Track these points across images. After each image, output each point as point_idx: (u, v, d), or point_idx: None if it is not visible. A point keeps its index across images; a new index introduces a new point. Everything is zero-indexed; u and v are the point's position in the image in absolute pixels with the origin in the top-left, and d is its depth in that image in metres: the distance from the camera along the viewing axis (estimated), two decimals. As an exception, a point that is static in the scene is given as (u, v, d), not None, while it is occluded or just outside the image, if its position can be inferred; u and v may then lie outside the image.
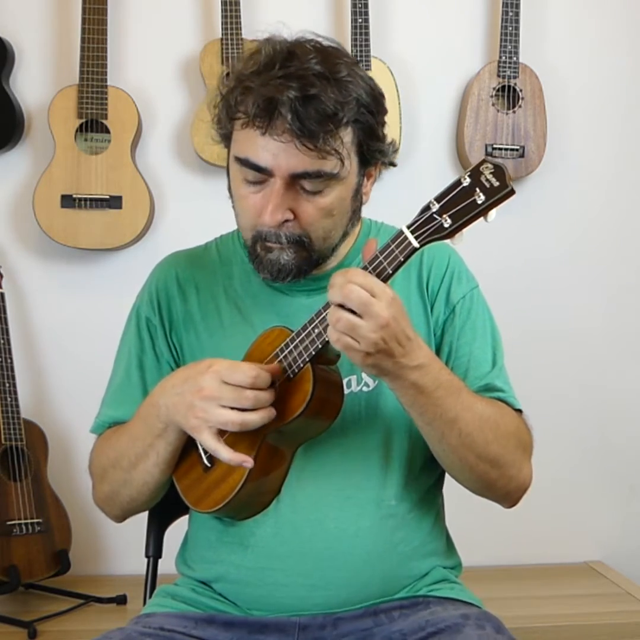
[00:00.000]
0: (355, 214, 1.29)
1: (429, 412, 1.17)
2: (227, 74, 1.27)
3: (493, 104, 2.52)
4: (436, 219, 1.05)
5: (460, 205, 1.04)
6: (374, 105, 1.22)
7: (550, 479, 2.51)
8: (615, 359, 2.68)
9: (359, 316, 1.06)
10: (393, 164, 1.30)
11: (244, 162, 1.21)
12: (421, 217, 1.06)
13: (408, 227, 1.07)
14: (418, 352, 1.13)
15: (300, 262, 1.25)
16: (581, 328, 2.66)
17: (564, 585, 2.45)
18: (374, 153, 1.25)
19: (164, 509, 1.43)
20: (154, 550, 1.53)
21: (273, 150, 1.17)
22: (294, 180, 1.19)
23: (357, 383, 1.29)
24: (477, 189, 1.03)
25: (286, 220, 1.21)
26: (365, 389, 1.29)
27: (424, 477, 1.33)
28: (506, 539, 2.59)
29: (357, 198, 1.28)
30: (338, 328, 1.07)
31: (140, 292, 1.42)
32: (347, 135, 1.20)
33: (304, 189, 1.20)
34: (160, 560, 1.53)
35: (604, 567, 2.60)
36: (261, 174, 1.20)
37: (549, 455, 2.43)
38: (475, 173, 1.03)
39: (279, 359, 1.19)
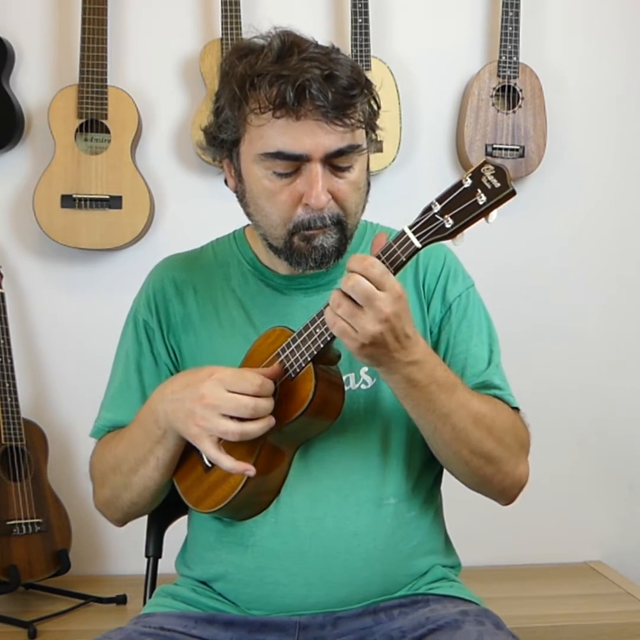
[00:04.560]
0: (369, 187, 1.31)
1: (421, 406, 1.18)
2: (225, 76, 1.25)
3: (493, 104, 2.52)
4: (438, 219, 1.06)
5: (462, 206, 1.04)
6: (367, 77, 1.24)
7: (549, 479, 2.51)
8: (614, 358, 2.68)
9: (361, 307, 1.07)
10: (378, 139, 1.31)
11: (276, 156, 1.20)
12: (423, 218, 1.07)
13: (410, 228, 1.08)
14: (415, 348, 1.13)
15: (339, 244, 1.25)
16: (581, 327, 2.66)
17: (564, 585, 2.45)
18: (376, 122, 1.27)
19: (164, 509, 1.42)
20: (154, 550, 1.53)
21: (308, 134, 1.18)
22: (326, 160, 1.20)
23: (355, 381, 1.29)
24: (479, 190, 1.03)
25: (328, 201, 1.22)
26: (363, 387, 1.29)
27: (422, 475, 1.33)
28: (506, 539, 2.59)
29: (368, 170, 1.30)
30: (338, 312, 1.08)
31: (137, 296, 1.42)
32: (362, 106, 1.22)
33: (334, 167, 1.21)
34: (160, 560, 1.53)
35: (604, 567, 2.59)
36: (295, 162, 1.20)
37: (549, 454, 2.44)
38: (477, 174, 1.04)
39: (280, 359, 1.19)
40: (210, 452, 1.17)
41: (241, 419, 1.15)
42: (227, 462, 1.16)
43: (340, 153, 1.20)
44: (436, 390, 1.16)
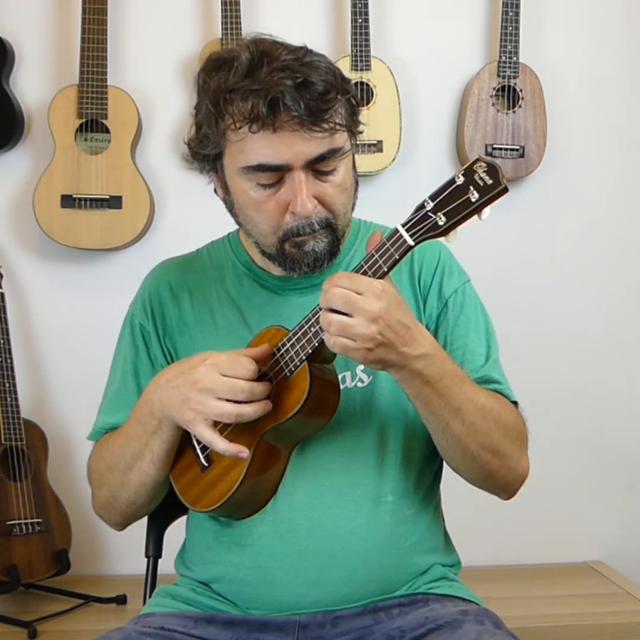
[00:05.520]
0: (357, 185, 1.31)
1: (434, 402, 1.18)
2: (200, 90, 1.25)
3: (493, 104, 2.52)
4: (430, 217, 1.06)
5: (454, 204, 1.05)
6: (344, 76, 1.24)
7: (549, 479, 2.51)
8: (614, 359, 2.68)
9: (350, 316, 1.07)
10: (360, 132, 1.31)
11: (258, 168, 1.20)
12: (416, 216, 1.08)
13: (403, 226, 1.09)
14: (421, 340, 1.13)
15: (331, 246, 1.26)
16: (581, 328, 2.66)
17: (564, 585, 2.45)
18: (358, 121, 1.27)
19: (164, 509, 1.42)
20: (154, 550, 1.53)
21: (287, 144, 1.18)
22: (309, 167, 1.20)
23: (351, 379, 1.30)
24: (471, 187, 1.04)
25: (314, 207, 1.22)
26: (359, 385, 1.30)
27: (421, 473, 1.33)
28: (506, 538, 2.59)
29: (355, 169, 1.30)
30: (331, 331, 1.08)
31: (133, 300, 1.43)
32: (341, 108, 1.22)
33: (318, 171, 1.22)
34: (160, 560, 1.53)
35: (604, 567, 2.60)
36: (278, 172, 1.20)
37: (549, 455, 2.44)
38: (469, 171, 1.05)
39: (275, 357, 1.20)
40: (205, 434, 1.18)
41: (238, 403, 1.16)
42: (221, 444, 1.17)
43: (322, 158, 1.20)
44: (448, 384, 1.17)
